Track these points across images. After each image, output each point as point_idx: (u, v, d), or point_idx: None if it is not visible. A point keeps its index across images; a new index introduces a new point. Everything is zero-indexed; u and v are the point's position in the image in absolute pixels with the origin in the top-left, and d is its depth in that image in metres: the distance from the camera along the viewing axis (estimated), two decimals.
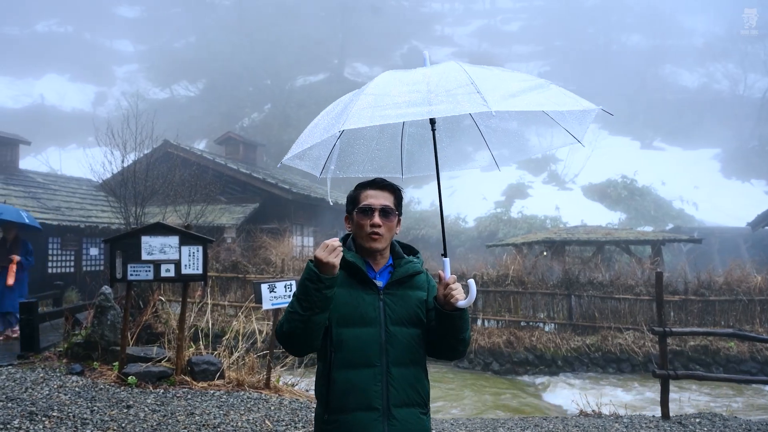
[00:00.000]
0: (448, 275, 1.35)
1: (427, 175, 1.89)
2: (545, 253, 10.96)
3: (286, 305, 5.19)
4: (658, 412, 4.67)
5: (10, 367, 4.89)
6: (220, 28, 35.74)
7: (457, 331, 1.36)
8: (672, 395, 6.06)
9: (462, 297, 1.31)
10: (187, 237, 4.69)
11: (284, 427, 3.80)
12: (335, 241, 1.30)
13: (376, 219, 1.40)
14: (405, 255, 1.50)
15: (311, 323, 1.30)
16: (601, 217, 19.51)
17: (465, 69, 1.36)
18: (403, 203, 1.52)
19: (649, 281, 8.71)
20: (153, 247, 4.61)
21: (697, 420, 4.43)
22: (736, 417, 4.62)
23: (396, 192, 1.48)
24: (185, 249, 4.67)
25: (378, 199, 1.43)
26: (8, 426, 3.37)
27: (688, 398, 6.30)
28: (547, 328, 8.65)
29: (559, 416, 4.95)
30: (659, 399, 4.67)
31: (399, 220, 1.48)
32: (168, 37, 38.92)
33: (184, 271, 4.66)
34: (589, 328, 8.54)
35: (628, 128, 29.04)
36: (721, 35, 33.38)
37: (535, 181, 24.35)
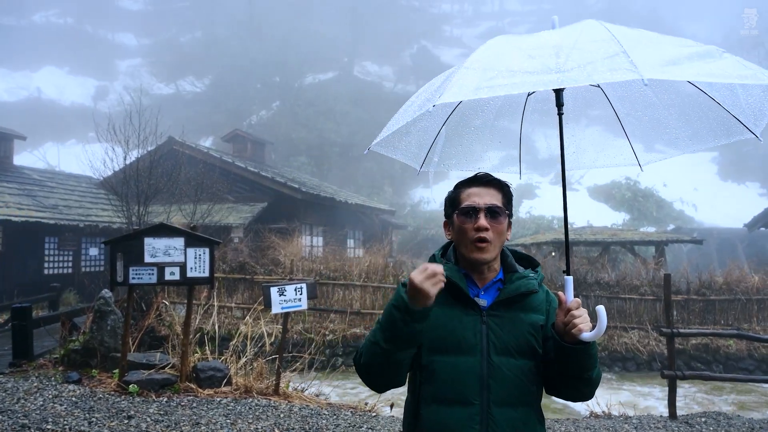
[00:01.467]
0: (570, 298, 1.08)
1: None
2: (553, 254, 10.83)
3: (299, 308, 4.89)
4: (664, 410, 4.69)
5: (0, 376, 4.61)
6: (229, 23, 35.42)
7: (580, 370, 1.09)
8: (679, 393, 6.07)
9: (588, 327, 1.04)
10: (192, 238, 4.43)
11: None
12: (437, 267, 1.02)
13: (482, 221, 1.15)
14: (520, 268, 1.22)
15: (395, 359, 1.08)
16: (606, 218, 19.57)
17: (607, 27, 1.09)
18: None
19: (653, 281, 8.74)
20: (157, 249, 4.35)
21: (703, 419, 4.42)
22: (739, 416, 4.62)
23: (505, 189, 1.22)
24: (191, 251, 4.41)
25: (483, 197, 1.18)
26: None
27: (693, 395, 6.34)
28: None
29: (570, 418, 4.91)
30: (665, 398, 4.70)
31: (510, 223, 1.22)
32: (174, 31, 38.55)
33: (189, 274, 4.39)
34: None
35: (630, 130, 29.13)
36: (718, 42, 33.58)
37: (543, 182, 24.32)
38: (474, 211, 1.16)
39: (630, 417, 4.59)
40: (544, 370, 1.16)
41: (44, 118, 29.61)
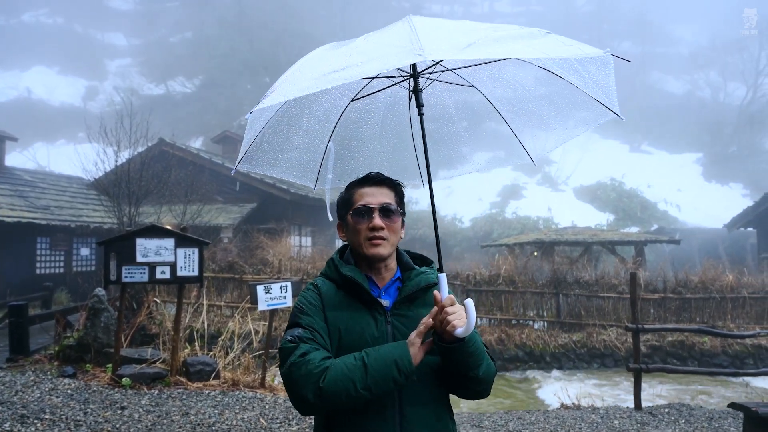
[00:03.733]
0: (444, 295, 1.04)
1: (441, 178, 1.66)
2: (535, 254, 11.19)
3: (284, 306, 5.14)
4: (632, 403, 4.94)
5: None
6: (219, 23, 35.42)
7: (465, 368, 1.06)
8: (655, 389, 6.41)
9: (461, 323, 1.00)
10: (182, 239, 4.68)
11: (278, 425, 3.83)
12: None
13: (377, 221, 1.13)
14: (416, 266, 1.22)
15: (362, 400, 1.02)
16: (591, 218, 19.96)
17: (413, 22, 1.10)
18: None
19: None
20: (148, 249, 4.59)
21: (666, 410, 4.71)
22: (701, 407, 4.92)
23: (396, 188, 1.21)
24: (181, 251, 4.66)
25: (376, 197, 1.16)
26: None
27: (664, 390, 6.63)
28: (536, 326, 8.86)
29: (541, 410, 5.15)
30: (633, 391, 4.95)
31: (403, 222, 1.20)
32: (164, 32, 38.39)
33: (179, 273, 4.65)
34: (575, 325, 8.78)
35: (618, 132, 29.68)
36: (704, 45, 34.37)
37: (529, 183, 24.75)
38: (368, 211, 1.14)
39: (597, 408, 4.86)
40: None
41: (34, 117, 29.40)
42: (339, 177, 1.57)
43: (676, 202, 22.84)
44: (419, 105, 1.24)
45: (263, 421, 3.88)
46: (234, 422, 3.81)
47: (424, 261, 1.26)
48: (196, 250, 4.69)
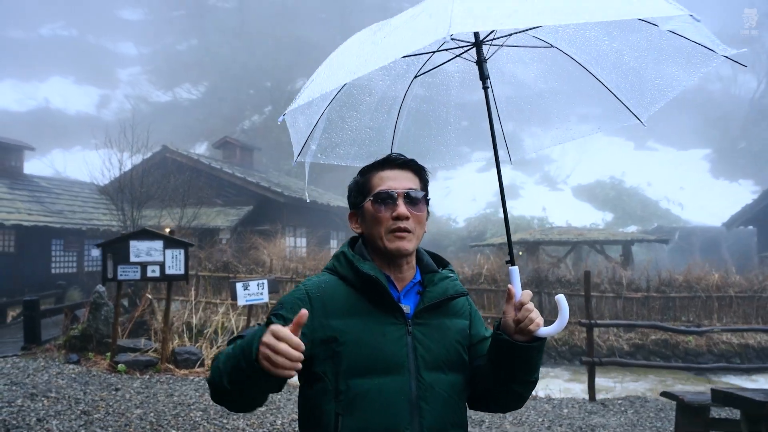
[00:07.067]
0: (518, 292, 0.94)
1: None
2: (521, 253, 11.47)
3: (261, 301, 5.69)
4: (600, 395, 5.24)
5: (14, 357, 5.53)
6: (222, 31, 36.48)
7: (530, 371, 0.95)
8: (628, 384, 6.60)
9: (542, 322, 0.92)
10: (170, 241, 5.28)
11: None
12: (287, 339, 0.76)
13: (402, 208, 0.97)
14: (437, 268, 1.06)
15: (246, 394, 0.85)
16: (589, 217, 19.96)
17: None
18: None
19: (613, 279, 9.22)
20: (140, 250, 5.20)
21: (619, 402, 4.99)
22: (656, 399, 5.16)
23: (421, 172, 1.04)
24: (169, 252, 5.25)
25: (399, 181, 0.99)
26: (12, 404, 3.98)
27: (640, 387, 6.77)
28: None
29: None
30: (610, 385, 5.29)
31: (428, 212, 1.04)
32: (171, 40, 39.66)
33: (167, 271, 5.24)
34: None
35: (623, 129, 29.35)
36: (714, 32, 33.62)
37: (528, 182, 24.83)
38: (391, 198, 0.97)
39: (553, 399, 5.12)
40: (472, 382, 1.00)
41: (51, 126, 30.86)
42: (322, 150, 1.39)
43: (678, 200, 22.59)
44: (483, 77, 1.12)
45: None
46: (211, 403, 4.36)
47: (440, 261, 1.08)
48: (182, 251, 5.28)
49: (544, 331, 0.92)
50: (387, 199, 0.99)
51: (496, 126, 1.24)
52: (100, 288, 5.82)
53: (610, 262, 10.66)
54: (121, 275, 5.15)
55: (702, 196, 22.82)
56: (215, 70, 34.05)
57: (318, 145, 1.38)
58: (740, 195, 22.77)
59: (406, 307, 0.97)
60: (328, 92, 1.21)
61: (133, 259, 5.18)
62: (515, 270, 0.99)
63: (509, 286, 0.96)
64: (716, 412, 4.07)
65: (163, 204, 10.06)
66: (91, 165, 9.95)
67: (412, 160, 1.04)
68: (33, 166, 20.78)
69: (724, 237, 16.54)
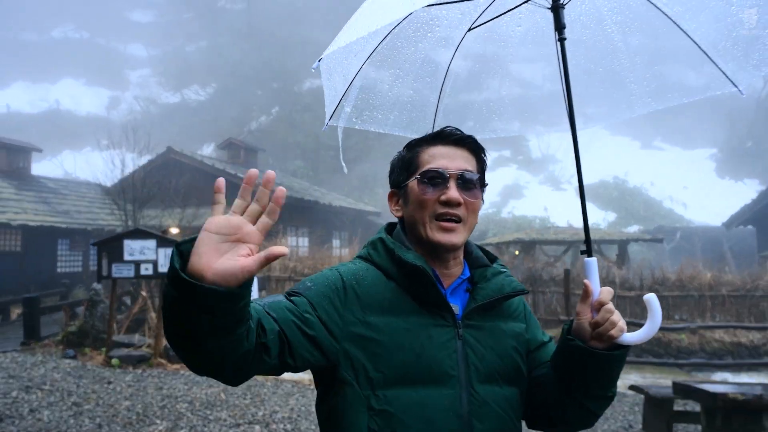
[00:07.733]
0: (597, 289, 0.80)
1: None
2: (517, 253, 11.51)
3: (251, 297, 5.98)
4: None
5: (14, 352, 5.74)
6: (230, 32, 36.99)
7: (606, 384, 0.80)
8: (622, 381, 6.68)
9: (625, 327, 0.77)
10: (162, 240, 5.44)
11: (236, 398, 4.51)
12: (227, 219, 0.63)
13: (453, 192, 0.83)
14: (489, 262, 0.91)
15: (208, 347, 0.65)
16: (591, 217, 19.83)
17: None
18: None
19: (606, 278, 9.27)
20: (134, 249, 5.37)
21: None
22: (634, 395, 5.20)
23: (480, 152, 0.89)
24: (161, 251, 5.41)
25: (453, 160, 0.85)
26: (7, 396, 4.16)
27: (632, 381, 6.94)
28: None
29: None
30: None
31: (482, 201, 0.90)
32: (180, 42, 40.32)
33: (160, 270, 5.40)
34: (551, 321, 9.09)
35: (629, 128, 29.16)
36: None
37: (532, 182, 24.82)
38: (442, 178, 0.83)
39: None
40: (529, 396, 0.86)
41: (62, 127, 31.65)
42: (357, 114, 1.18)
43: (682, 200, 22.60)
44: (560, 26, 0.94)
45: (223, 396, 4.56)
46: (198, 395, 4.51)
47: (488, 255, 0.93)
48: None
49: (629, 338, 0.77)
50: (437, 179, 0.84)
51: (573, 88, 0.93)
52: (97, 286, 6.01)
53: (605, 262, 10.68)
54: (115, 273, 5.33)
55: (705, 196, 22.82)
56: (223, 71, 34.55)
57: (354, 107, 1.16)
58: (745, 194, 22.67)
59: (455, 307, 0.83)
60: (366, 44, 1.02)
61: (127, 257, 5.35)
62: (592, 262, 0.83)
63: (585, 281, 0.81)
64: (691, 407, 4.16)
65: (164, 204, 10.29)
66: (97, 166, 10.25)
67: (471, 137, 0.88)
68: (43, 167, 21.41)
69: (725, 237, 16.43)
